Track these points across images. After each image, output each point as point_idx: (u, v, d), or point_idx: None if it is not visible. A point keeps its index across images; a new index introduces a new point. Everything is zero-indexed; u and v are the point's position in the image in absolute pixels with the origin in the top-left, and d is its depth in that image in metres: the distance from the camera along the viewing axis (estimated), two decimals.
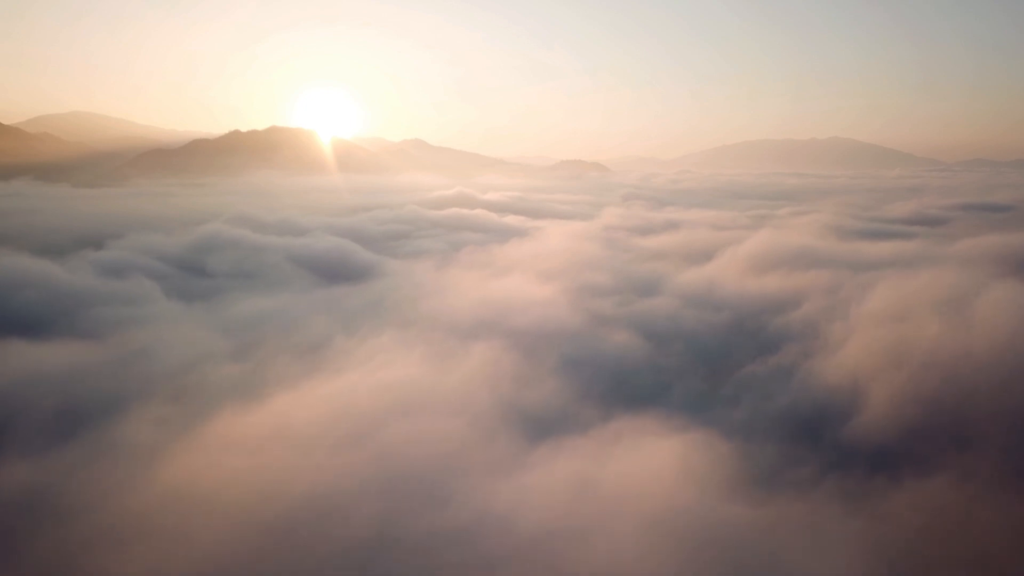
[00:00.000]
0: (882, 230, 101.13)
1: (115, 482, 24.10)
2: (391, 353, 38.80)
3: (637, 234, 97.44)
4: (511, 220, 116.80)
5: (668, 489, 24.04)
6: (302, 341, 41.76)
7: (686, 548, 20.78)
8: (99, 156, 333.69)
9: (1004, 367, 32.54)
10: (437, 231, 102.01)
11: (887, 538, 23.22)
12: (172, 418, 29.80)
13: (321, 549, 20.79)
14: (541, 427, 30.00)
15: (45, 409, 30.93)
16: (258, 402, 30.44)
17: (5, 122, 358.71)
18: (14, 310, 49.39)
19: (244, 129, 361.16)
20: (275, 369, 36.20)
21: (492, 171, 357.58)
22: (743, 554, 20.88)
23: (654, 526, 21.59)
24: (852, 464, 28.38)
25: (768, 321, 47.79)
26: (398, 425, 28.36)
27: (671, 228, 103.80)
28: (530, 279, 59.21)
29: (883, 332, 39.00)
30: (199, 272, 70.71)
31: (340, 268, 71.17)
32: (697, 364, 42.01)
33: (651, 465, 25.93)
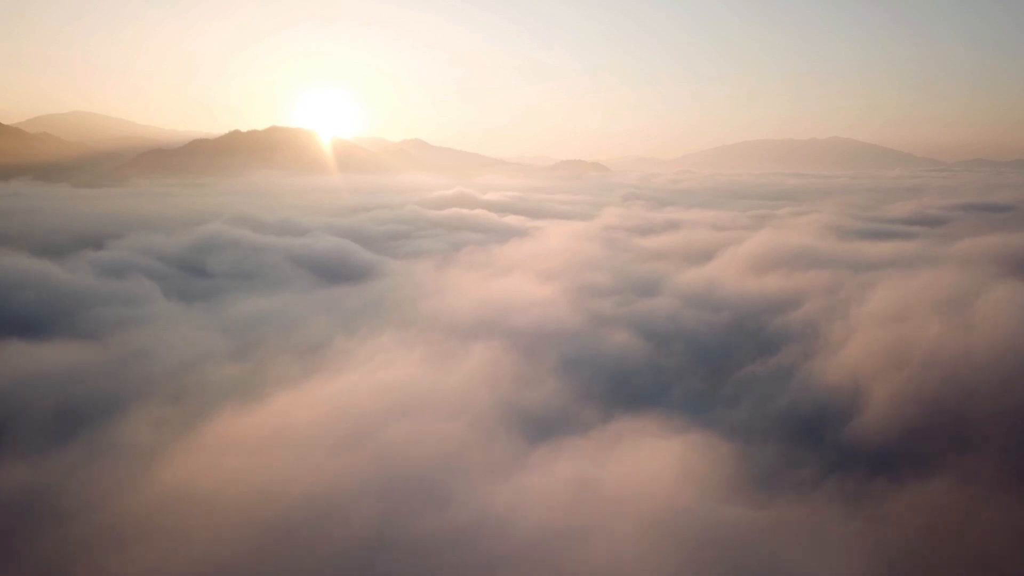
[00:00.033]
0: (882, 230, 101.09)
1: (114, 483, 24.06)
2: (391, 353, 38.75)
3: (637, 234, 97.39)
4: (511, 220, 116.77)
5: (668, 490, 23.98)
6: (302, 341, 41.73)
7: (686, 549, 20.73)
8: (99, 156, 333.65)
9: (1005, 367, 32.50)
10: (437, 231, 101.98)
11: (887, 539, 23.19)
12: (171, 418, 29.76)
13: (321, 550, 20.75)
14: (541, 428, 29.96)
15: (44, 409, 30.89)
16: (258, 402, 30.40)
17: (5, 122, 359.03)
18: (14, 310, 49.34)
19: (244, 129, 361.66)
20: (275, 369, 36.17)
21: (492, 171, 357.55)
22: (743, 555, 20.83)
23: (654, 527, 21.54)
24: (852, 465, 28.34)
25: (768, 321, 47.75)
26: (398, 425, 28.31)
27: (671, 228, 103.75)
28: (530, 279, 59.16)
29: (883, 332, 38.95)
30: (199, 272, 70.69)
31: (340, 268, 71.15)
32: (697, 364, 41.96)
33: (651, 466, 25.87)
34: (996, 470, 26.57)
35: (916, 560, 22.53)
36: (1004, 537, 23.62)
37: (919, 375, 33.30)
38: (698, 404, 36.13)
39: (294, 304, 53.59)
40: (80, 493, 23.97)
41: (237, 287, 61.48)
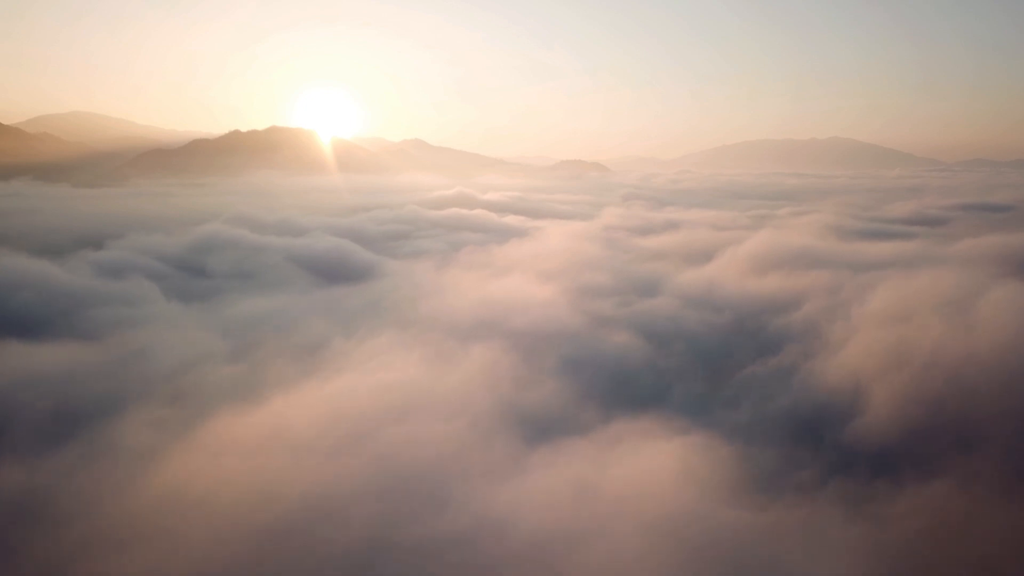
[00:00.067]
0: (882, 230, 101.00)
1: (113, 484, 23.98)
2: (390, 354, 38.64)
3: (637, 234, 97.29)
4: (511, 220, 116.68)
5: (668, 492, 23.88)
6: (301, 342, 41.60)
7: (686, 552, 20.62)
8: (99, 156, 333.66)
9: (1006, 368, 32.40)
10: (437, 231, 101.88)
11: (888, 541, 23.07)
12: (170, 419, 29.66)
13: (319, 551, 20.65)
14: (540, 429, 29.85)
15: (42, 410, 30.81)
16: (257, 403, 30.30)
17: (5, 122, 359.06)
18: (13, 311, 49.22)
19: (244, 129, 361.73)
20: (273, 370, 36.04)
21: (492, 171, 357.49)
22: (744, 558, 20.73)
23: (654, 530, 21.44)
24: (853, 466, 28.24)
25: (768, 322, 47.64)
26: (397, 427, 28.21)
27: (671, 228, 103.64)
28: (530, 279, 59.05)
29: (884, 333, 38.86)
30: (198, 272, 70.59)
31: (340, 268, 71.06)
32: (697, 365, 41.83)
33: (651, 468, 25.77)
34: (998, 471, 26.47)
35: (917, 562, 22.43)
36: (1006, 539, 23.50)
37: (920, 376, 33.20)
38: (698, 405, 36.02)
39: (293, 304, 53.48)
40: (78, 494, 23.88)
41: (236, 287, 61.39)
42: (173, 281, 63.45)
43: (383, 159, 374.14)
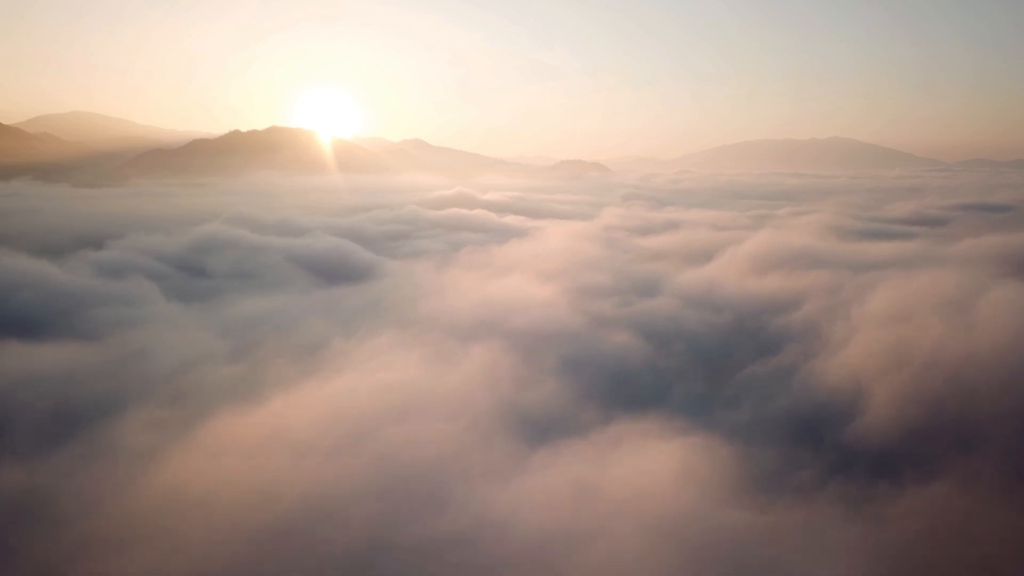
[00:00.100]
0: (882, 230, 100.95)
1: (112, 484, 23.94)
2: (390, 354, 38.60)
3: (637, 234, 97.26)
4: (511, 220, 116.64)
5: (668, 493, 23.85)
6: (301, 342, 41.57)
7: (687, 553, 20.58)
8: (99, 156, 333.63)
9: (1006, 368, 32.36)
10: (437, 231, 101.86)
11: (889, 542, 23.04)
12: (169, 420, 29.63)
13: (319, 552, 20.62)
14: (540, 430, 29.83)
15: (42, 411, 30.79)
16: (256, 404, 30.27)
17: (5, 122, 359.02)
18: (12, 311, 49.19)
19: (244, 129, 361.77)
20: (273, 370, 36.00)
21: (492, 171, 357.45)
22: (744, 559, 20.70)
23: (654, 531, 21.40)
24: (854, 467, 28.21)
25: (769, 322, 47.61)
26: (396, 427, 28.18)
27: (671, 228, 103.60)
28: (530, 279, 59.02)
29: (884, 333, 38.82)
30: (198, 272, 70.56)
31: (339, 268, 71.03)
32: (697, 365, 41.79)
33: (651, 468, 25.73)
34: (998, 472, 26.44)
35: (917, 563, 22.39)
36: (1007, 540, 23.47)
37: (920, 376, 33.17)
38: (698, 405, 35.99)
39: (293, 305, 53.46)
40: (78, 494, 23.87)
41: (236, 287, 61.36)
42: (173, 281, 63.42)
43: (383, 159, 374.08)
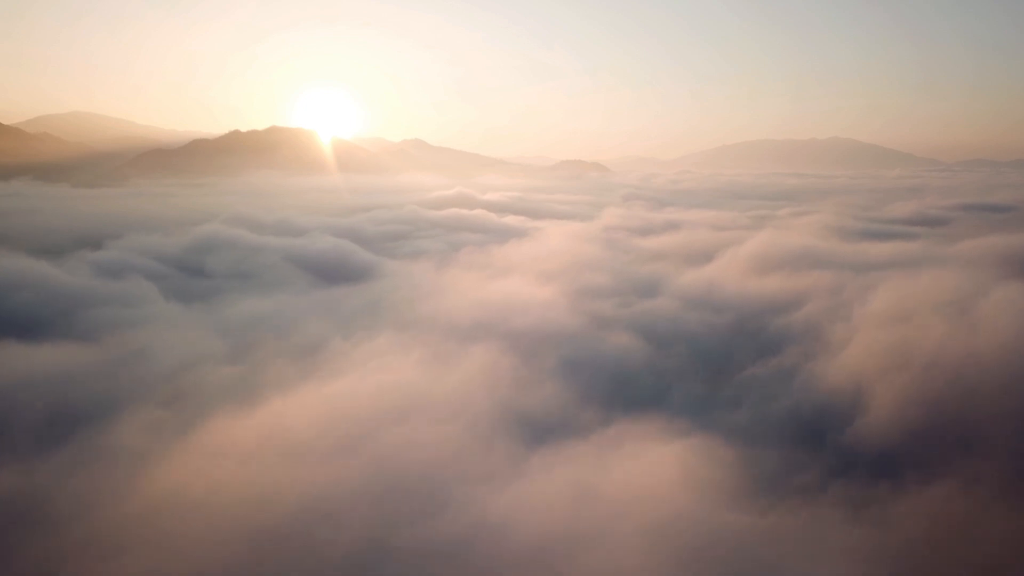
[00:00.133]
0: (883, 231, 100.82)
1: (109, 487, 23.83)
2: (389, 355, 38.49)
3: (637, 235, 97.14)
4: (511, 220, 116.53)
5: (669, 495, 23.72)
6: (299, 343, 41.47)
7: (687, 556, 20.45)
8: (99, 156, 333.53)
9: (1008, 369, 32.22)
10: (436, 231, 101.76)
11: (890, 545, 22.90)
12: (166, 422, 29.52)
13: (316, 556, 20.50)
14: (540, 431, 29.70)
15: (40, 411, 30.67)
16: (253, 406, 30.14)
17: (5, 122, 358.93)
18: (11, 311, 49.09)
19: (244, 129, 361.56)
20: (272, 371, 35.90)
21: (492, 171, 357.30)
22: (745, 562, 20.57)
23: (655, 533, 21.27)
24: (855, 468, 28.07)
25: (769, 322, 47.45)
26: (395, 429, 28.04)
27: (671, 229, 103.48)
28: (529, 280, 58.91)
29: (885, 334, 38.68)
30: (197, 273, 70.48)
31: (339, 269, 70.92)
32: (698, 366, 41.65)
33: (652, 470, 25.61)
34: (1000, 473, 26.29)
35: (919, 565, 22.26)
36: (1008, 541, 23.34)
37: (921, 377, 33.02)
38: (699, 407, 35.83)
39: (292, 305, 53.35)
40: (76, 496, 23.75)
41: (235, 288, 61.26)
42: (172, 281, 63.31)
43: (383, 159, 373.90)
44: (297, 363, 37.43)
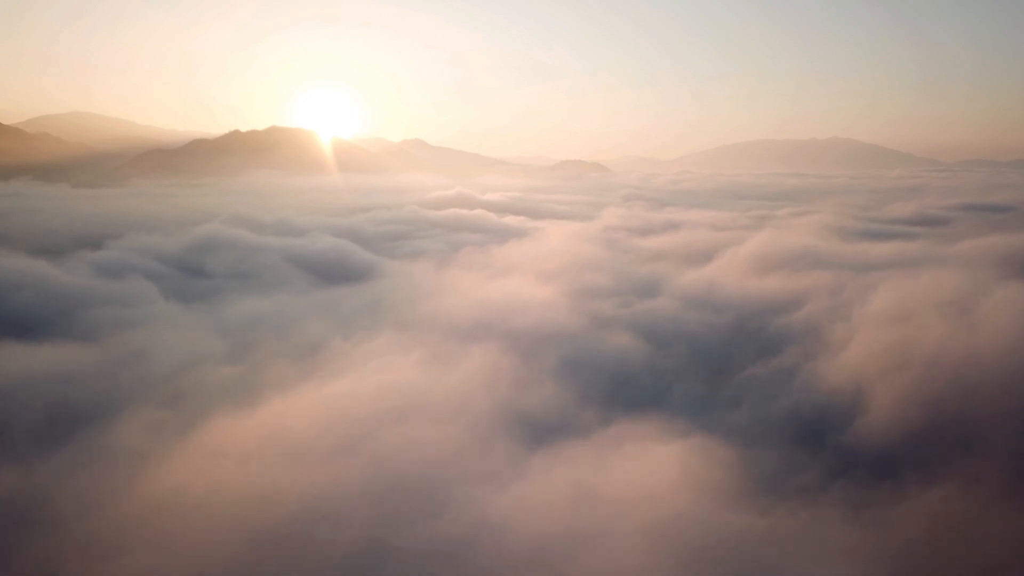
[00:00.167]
0: (883, 231, 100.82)
1: (107, 488, 23.79)
2: (388, 355, 38.47)
3: (637, 235, 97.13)
4: (511, 220, 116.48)
5: (669, 495, 23.70)
6: (299, 343, 41.45)
7: (687, 556, 20.44)
8: (99, 156, 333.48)
9: (1008, 369, 32.21)
10: (436, 232, 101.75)
11: (891, 545, 22.88)
12: (166, 422, 29.47)
13: (316, 556, 20.48)
14: (540, 432, 29.67)
15: (39, 412, 30.63)
16: (253, 406, 30.11)
17: (5, 122, 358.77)
18: (10, 311, 49.07)
19: (244, 129, 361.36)
20: (271, 372, 35.87)
21: (492, 171, 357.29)
22: (745, 563, 20.55)
23: (654, 534, 21.25)
24: (855, 469, 28.06)
25: (769, 322, 47.42)
26: (395, 429, 28.02)
27: (671, 229, 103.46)
28: (529, 280, 58.89)
29: (886, 334, 38.65)
30: (197, 273, 70.47)
31: (338, 269, 70.91)
32: (698, 366, 41.62)
33: (652, 471, 25.59)
34: (1001, 474, 26.27)
35: (919, 566, 22.24)
36: (1009, 542, 23.31)
37: (922, 377, 32.99)
38: (699, 407, 35.81)
39: (292, 305, 53.34)
40: (76, 496, 23.72)
41: (235, 288, 61.24)
42: (172, 281, 63.28)
43: (383, 159, 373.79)
44: (297, 363, 37.41)
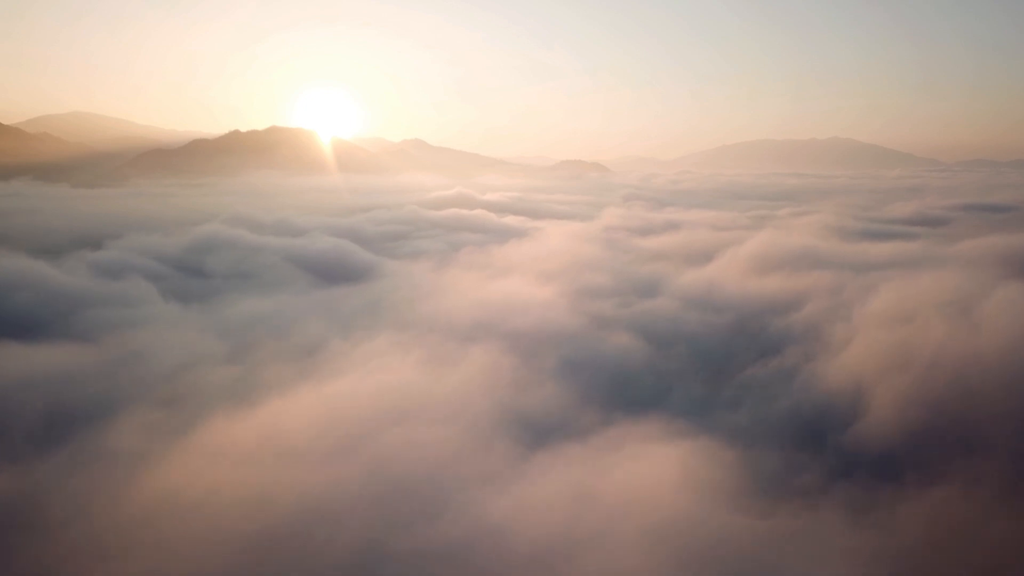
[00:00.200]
0: (883, 231, 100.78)
1: (105, 489, 23.70)
2: (388, 356, 38.39)
3: (637, 235, 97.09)
4: (511, 220, 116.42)
5: (669, 497, 23.62)
6: (299, 343, 41.38)
7: (688, 558, 20.36)
8: (99, 156, 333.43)
9: (1009, 370, 32.13)
10: (436, 232, 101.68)
11: (892, 546, 22.80)
12: (164, 423, 29.36)
13: (315, 557, 20.40)
14: (539, 433, 29.58)
15: (37, 413, 30.54)
16: (252, 407, 30.01)
17: (5, 122, 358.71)
18: (10, 311, 49.00)
19: (244, 129, 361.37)
20: (270, 373, 35.78)
21: (492, 171, 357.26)
22: (745, 564, 20.48)
23: (655, 536, 21.17)
24: (856, 469, 27.99)
25: (769, 323, 47.35)
26: (394, 430, 27.93)
27: (671, 229, 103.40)
28: (529, 280, 58.83)
29: (886, 334, 38.58)
30: (197, 273, 70.37)
31: (338, 269, 70.81)
32: (698, 367, 41.54)
33: (652, 472, 25.50)
34: (1001, 474, 26.20)
35: (921, 568, 22.17)
36: (1010, 542, 23.24)
37: (922, 377, 32.92)
38: (699, 407, 35.74)
39: (291, 305, 53.24)
40: (73, 497, 23.64)
41: (234, 288, 61.14)
42: (171, 281, 63.20)
43: (383, 159, 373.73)
44: (296, 363, 37.34)
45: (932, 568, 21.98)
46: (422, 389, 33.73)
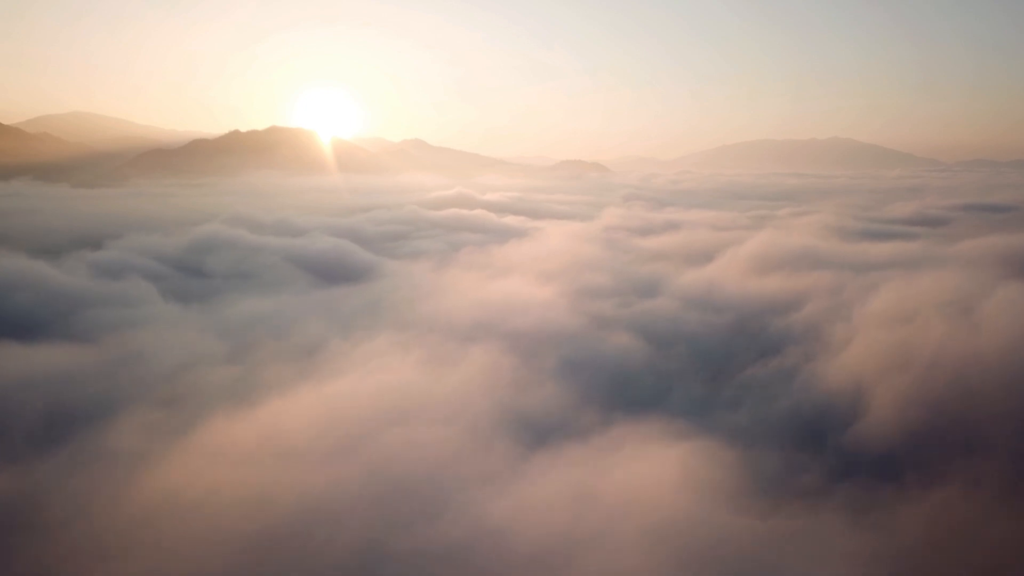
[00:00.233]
0: (883, 231, 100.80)
1: (105, 489, 23.69)
2: (388, 356, 38.38)
3: (637, 235, 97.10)
4: (511, 220, 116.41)
5: (669, 498, 23.60)
6: (299, 343, 41.37)
7: (688, 559, 20.35)
8: (99, 156, 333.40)
9: (1009, 370, 32.12)
10: (436, 232, 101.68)
11: (892, 547, 22.79)
12: (163, 424, 29.35)
13: (314, 558, 20.39)
14: (539, 433, 29.57)
15: (37, 413, 30.54)
16: (251, 407, 30.00)
17: (5, 122, 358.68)
18: (9, 311, 49.00)
19: (244, 129, 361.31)
20: (270, 373, 35.77)
21: (492, 171, 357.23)
22: (746, 565, 20.47)
23: (655, 536, 21.16)
24: (856, 470, 27.98)
25: (770, 323, 47.35)
26: (394, 430, 27.91)
27: (671, 229, 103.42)
28: (529, 280, 58.82)
29: (886, 334, 38.58)
30: (196, 273, 70.38)
31: (338, 269, 70.81)
32: (698, 367, 41.52)
33: (652, 472, 25.50)
34: (1001, 475, 26.19)
35: (921, 568, 22.16)
36: (1011, 543, 23.23)
37: (923, 377, 32.92)
38: (699, 407, 35.74)
39: (291, 305, 53.25)
40: (73, 498, 23.64)
41: (234, 288, 61.13)
42: (171, 282, 63.21)
43: (383, 159, 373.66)
44: (296, 363, 37.32)
45: (932, 569, 21.98)
46: (422, 389, 33.71)
